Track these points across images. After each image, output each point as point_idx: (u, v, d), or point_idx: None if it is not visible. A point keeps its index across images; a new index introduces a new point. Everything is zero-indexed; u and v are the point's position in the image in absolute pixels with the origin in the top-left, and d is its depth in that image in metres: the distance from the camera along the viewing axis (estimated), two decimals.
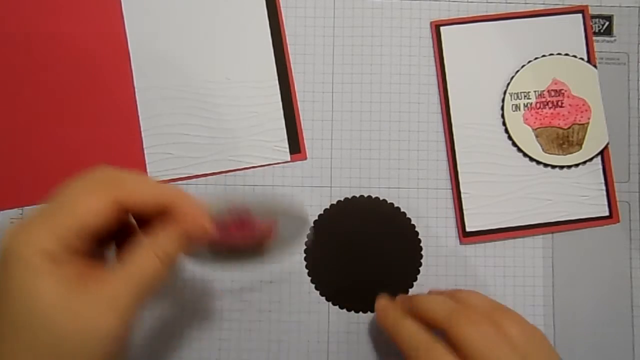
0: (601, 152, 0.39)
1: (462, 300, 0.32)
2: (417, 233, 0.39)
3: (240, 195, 0.34)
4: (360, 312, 0.38)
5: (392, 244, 0.39)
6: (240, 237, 0.31)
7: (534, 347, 0.30)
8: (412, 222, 0.39)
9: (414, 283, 0.38)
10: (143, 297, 0.26)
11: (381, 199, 0.39)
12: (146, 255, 0.26)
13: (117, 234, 0.29)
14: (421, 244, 0.39)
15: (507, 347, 0.29)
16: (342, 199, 0.39)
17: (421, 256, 0.38)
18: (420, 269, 0.39)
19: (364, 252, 0.38)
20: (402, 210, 0.39)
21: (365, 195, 0.39)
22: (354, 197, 0.39)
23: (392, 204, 0.39)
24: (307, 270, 0.38)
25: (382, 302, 0.36)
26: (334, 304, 0.38)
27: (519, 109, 0.39)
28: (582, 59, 0.40)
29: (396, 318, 0.33)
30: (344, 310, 0.38)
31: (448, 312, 0.31)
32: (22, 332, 0.24)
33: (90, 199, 0.25)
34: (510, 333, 0.30)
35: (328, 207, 0.39)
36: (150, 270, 0.26)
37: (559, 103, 0.39)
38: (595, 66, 0.40)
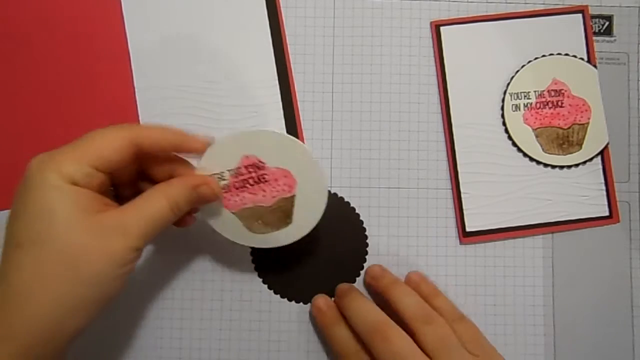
0: (601, 152, 0.39)
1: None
2: (362, 222, 0.39)
3: (252, 139, 0.32)
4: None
5: (338, 235, 0.39)
6: (256, 191, 0.33)
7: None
8: (357, 212, 0.39)
9: (360, 272, 0.38)
10: (149, 235, 0.28)
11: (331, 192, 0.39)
12: (157, 197, 0.29)
13: (127, 185, 0.32)
14: (366, 233, 0.39)
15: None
16: None
17: (367, 244, 0.38)
18: (366, 257, 0.39)
19: (312, 243, 0.38)
20: (346, 200, 0.39)
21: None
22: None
23: (335, 194, 0.39)
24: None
25: (319, 302, 0.37)
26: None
27: (519, 109, 0.39)
28: (582, 59, 0.40)
29: (331, 322, 0.35)
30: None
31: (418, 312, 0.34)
32: (43, 244, 0.26)
33: (109, 135, 0.28)
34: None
35: None
36: (159, 211, 0.29)
37: (559, 103, 0.39)
38: (595, 66, 0.40)
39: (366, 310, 0.34)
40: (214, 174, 0.32)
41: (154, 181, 0.32)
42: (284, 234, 0.34)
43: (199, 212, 0.34)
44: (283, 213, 0.34)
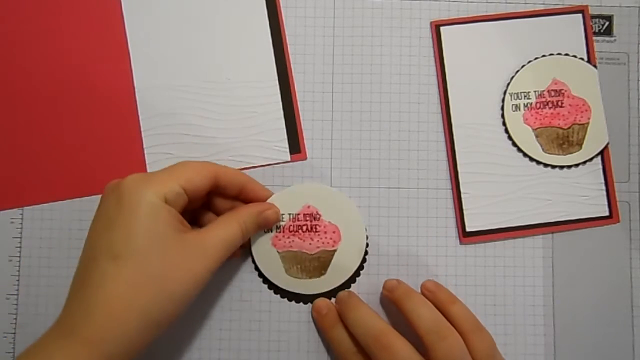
0: (601, 152, 0.39)
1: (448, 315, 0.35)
2: (366, 230, 0.39)
3: (318, 192, 0.37)
4: None
5: None
6: (305, 238, 0.37)
7: None
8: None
9: (360, 272, 0.38)
10: (225, 256, 0.32)
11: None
12: (230, 221, 0.33)
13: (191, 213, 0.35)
14: (366, 233, 0.38)
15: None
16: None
17: (367, 244, 0.38)
18: (367, 257, 0.39)
19: None
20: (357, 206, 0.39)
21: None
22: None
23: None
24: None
25: (319, 305, 0.37)
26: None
27: (519, 109, 0.39)
28: (582, 59, 0.40)
29: (331, 324, 0.36)
30: None
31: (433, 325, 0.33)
32: (141, 258, 0.28)
33: (198, 165, 0.33)
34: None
35: None
36: (232, 234, 0.32)
37: (559, 103, 0.39)
38: (595, 66, 0.40)
39: (367, 318, 0.34)
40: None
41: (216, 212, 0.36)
42: (316, 284, 0.37)
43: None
44: (321, 264, 0.37)
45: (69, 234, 0.38)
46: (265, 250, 0.37)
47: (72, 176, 0.39)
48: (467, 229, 0.39)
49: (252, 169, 0.39)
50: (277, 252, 0.37)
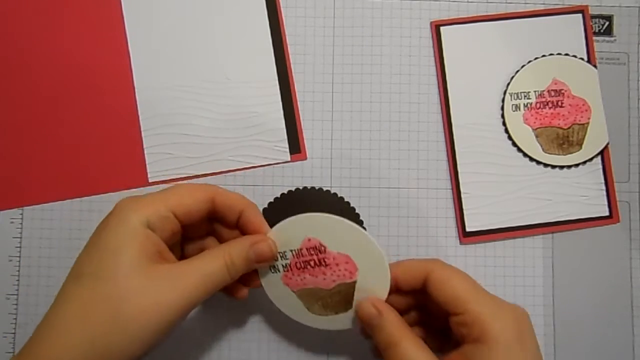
0: (601, 152, 0.39)
1: None
2: (362, 222, 0.39)
3: (316, 222, 0.32)
4: None
5: None
6: (316, 274, 0.33)
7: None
8: (357, 212, 0.39)
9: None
10: (203, 294, 0.28)
11: (325, 189, 0.39)
12: (215, 257, 0.29)
13: (193, 243, 0.33)
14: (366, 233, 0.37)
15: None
16: (293, 189, 0.39)
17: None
18: None
19: None
20: (346, 200, 0.39)
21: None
22: (298, 188, 0.39)
23: (335, 194, 0.39)
24: None
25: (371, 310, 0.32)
26: None
27: (519, 109, 0.39)
28: (582, 59, 0.40)
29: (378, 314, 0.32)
30: None
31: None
32: (99, 280, 0.27)
33: (191, 187, 0.30)
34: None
35: (278, 196, 0.39)
36: (216, 271, 0.29)
37: (559, 103, 0.39)
38: (595, 66, 0.40)
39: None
40: (277, 252, 0.33)
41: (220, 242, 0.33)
42: (344, 318, 0.33)
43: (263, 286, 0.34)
44: (343, 298, 0.33)
45: (69, 234, 0.38)
46: (279, 291, 0.34)
47: (72, 176, 0.39)
48: (467, 229, 0.39)
49: (252, 169, 0.39)
50: (292, 291, 0.34)
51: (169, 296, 0.27)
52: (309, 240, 0.32)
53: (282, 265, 0.33)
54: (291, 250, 0.33)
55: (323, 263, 0.33)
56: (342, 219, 0.32)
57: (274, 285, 0.34)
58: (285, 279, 0.33)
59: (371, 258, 0.32)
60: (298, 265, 0.33)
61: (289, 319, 0.35)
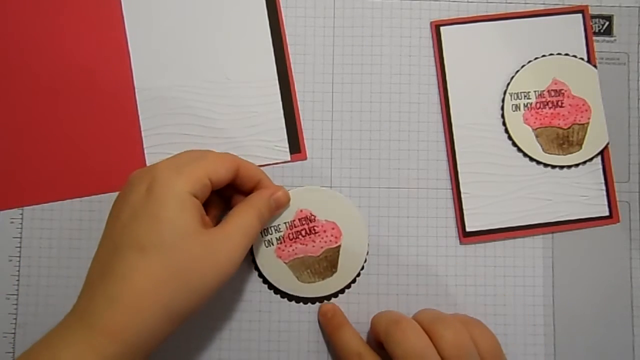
0: (601, 152, 0.39)
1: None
2: (364, 219, 0.39)
3: (306, 195, 0.38)
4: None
5: None
6: (306, 242, 0.37)
7: None
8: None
9: (360, 272, 0.38)
10: (248, 245, 0.32)
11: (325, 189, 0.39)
12: (247, 212, 0.33)
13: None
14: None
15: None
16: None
17: (367, 244, 0.38)
18: (367, 257, 0.39)
19: None
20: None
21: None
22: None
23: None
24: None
25: (325, 308, 0.37)
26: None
27: (519, 109, 0.39)
28: (582, 59, 0.40)
29: (336, 327, 0.36)
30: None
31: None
32: (167, 251, 0.29)
33: (223, 157, 0.33)
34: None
35: None
36: (252, 224, 0.33)
37: (559, 103, 0.39)
38: (595, 66, 0.40)
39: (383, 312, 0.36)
40: (272, 226, 0.37)
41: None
42: (330, 283, 0.38)
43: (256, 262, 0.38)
44: (329, 263, 0.38)
45: (69, 234, 0.38)
46: (272, 264, 0.37)
47: (72, 176, 0.39)
48: (467, 229, 0.39)
49: None
50: (284, 262, 0.37)
51: (225, 256, 0.30)
52: (301, 211, 0.38)
53: (276, 239, 0.37)
54: (285, 223, 0.37)
55: (313, 231, 0.38)
56: (329, 189, 0.38)
57: (267, 259, 0.37)
58: (278, 252, 0.38)
59: (353, 222, 0.38)
60: (291, 236, 0.37)
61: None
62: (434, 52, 0.40)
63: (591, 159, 0.39)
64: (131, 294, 0.28)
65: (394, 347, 0.32)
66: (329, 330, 0.37)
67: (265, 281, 0.38)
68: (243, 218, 0.32)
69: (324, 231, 0.38)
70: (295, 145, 0.39)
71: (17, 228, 0.38)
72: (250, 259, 0.38)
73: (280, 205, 0.36)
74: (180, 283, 0.29)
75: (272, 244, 0.37)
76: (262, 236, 0.37)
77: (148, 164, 0.39)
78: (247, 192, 0.35)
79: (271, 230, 0.37)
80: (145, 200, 0.29)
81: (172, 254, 0.29)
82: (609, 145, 0.39)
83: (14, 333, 0.38)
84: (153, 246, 0.28)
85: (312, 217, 0.38)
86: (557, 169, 0.39)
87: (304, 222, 0.38)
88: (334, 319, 0.37)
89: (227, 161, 0.33)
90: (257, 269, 0.38)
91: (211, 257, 0.30)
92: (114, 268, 0.28)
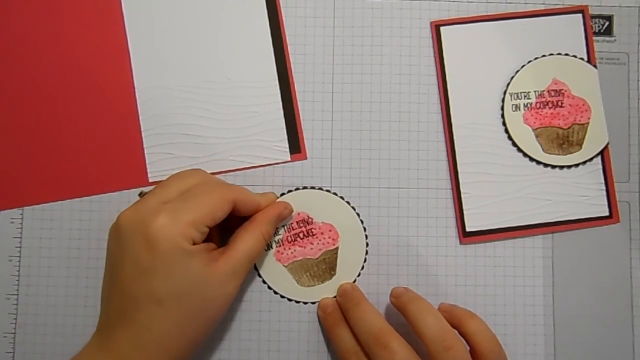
0: (601, 152, 0.39)
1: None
2: (362, 222, 0.39)
3: (302, 197, 0.38)
4: None
5: None
6: (305, 244, 0.38)
7: None
8: (357, 212, 0.39)
9: (360, 272, 0.38)
10: (251, 265, 0.34)
11: (325, 189, 0.39)
12: (253, 234, 0.34)
13: None
14: (366, 233, 0.39)
15: None
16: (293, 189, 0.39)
17: (367, 244, 0.39)
18: (366, 257, 0.39)
19: None
20: (346, 200, 0.39)
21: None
22: (298, 188, 0.39)
23: (335, 194, 0.39)
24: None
25: (324, 303, 0.37)
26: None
27: (519, 109, 0.39)
28: (582, 59, 0.40)
29: (334, 323, 0.37)
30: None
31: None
32: (183, 300, 0.31)
33: (216, 197, 0.33)
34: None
35: (279, 196, 0.38)
36: (257, 246, 0.34)
37: (559, 103, 0.39)
38: (595, 66, 0.40)
39: (368, 316, 0.35)
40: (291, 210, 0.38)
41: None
42: (329, 286, 0.38)
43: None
44: (328, 265, 0.38)
45: (69, 234, 0.38)
46: (272, 268, 0.38)
47: (72, 176, 0.39)
48: (467, 229, 0.39)
49: (252, 169, 0.39)
50: (284, 266, 0.38)
51: (233, 283, 0.33)
52: (298, 214, 0.38)
53: (275, 242, 0.38)
54: (283, 226, 0.38)
55: (310, 233, 0.38)
56: (325, 192, 0.38)
57: (266, 263, 0.38)
58: (277, 255, 0.38)
59: (350, 224, 0.38)
60: (289, 239, 0.38)
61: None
62: (434, 52, 0.40)
63: (591, 159, 0.39)
64: (158, 340, 0.31)
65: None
66: (328, 325, 0.37)
67: (265, 281, 0.38)
68: (250, 244, 0.34)
69: (322, 233, 0.38)
70: (295, 145, 0.39)
71: (17, 228, 0.38)
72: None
73: (284, 219, 0.37)
74: (200, 321, 0.32)
75: (271, 247, 0.38)
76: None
77: (148, 164, 0.39)
78: (247, 216, 0.36)
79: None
80: (152, 257, 0.30)
81: (188, 301, 0.31)
82: (609, 145, 0.39)
83: (14, 333, 0.38)
84: (169, 298, 0.31)
85: (310, 219, 0.38)
86: (557, 169, 0.39)
87: (301, 225, 0.38)
88: (333, 314, 0.37)
89: (224, 203, 0.33)
90: (256, 269, 0.38)
91: (222, 290, 0.32)
92: (134, 317, 0.31)
